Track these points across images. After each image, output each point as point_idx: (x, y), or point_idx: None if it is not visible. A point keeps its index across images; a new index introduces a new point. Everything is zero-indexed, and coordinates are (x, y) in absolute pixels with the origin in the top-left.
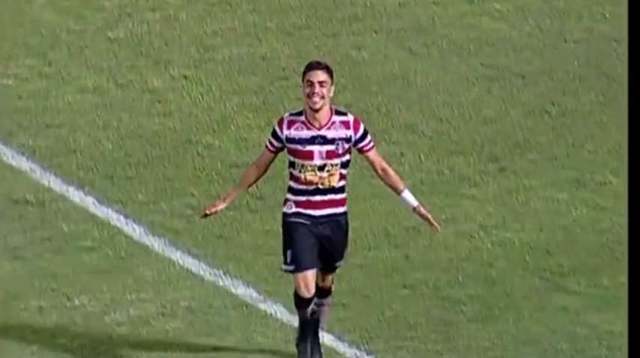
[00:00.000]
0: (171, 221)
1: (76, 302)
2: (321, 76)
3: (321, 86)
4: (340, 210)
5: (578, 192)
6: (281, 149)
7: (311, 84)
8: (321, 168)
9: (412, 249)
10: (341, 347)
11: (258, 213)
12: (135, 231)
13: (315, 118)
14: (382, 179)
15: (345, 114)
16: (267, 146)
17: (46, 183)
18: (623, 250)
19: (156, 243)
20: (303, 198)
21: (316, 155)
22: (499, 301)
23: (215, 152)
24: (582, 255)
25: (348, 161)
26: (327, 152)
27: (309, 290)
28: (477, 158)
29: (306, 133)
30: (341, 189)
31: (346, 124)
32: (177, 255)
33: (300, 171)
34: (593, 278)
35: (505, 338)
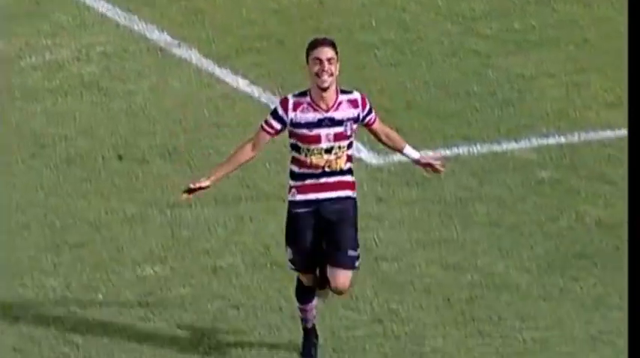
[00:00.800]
0: None
1: None
2: (328, 52)
3: (330, 63)
4: (348, 193)
5: None
6: (282, 131)
7: (320, 61)
8: (328, 150)
9: None
10: (255, 92)
11: None
12: None
13: (322, 98)
14: (386, 144)
15: (350, 92)
16: (264, 127)
17: None
18: None
19: None
20: (308, 182)
21: (323, 138)
22: (412, 45)
23: None
24: (494, 0)
25: (352, 141)
26: (335, 134)
27: (311, 280)
28: None
29: (312, 116)
30: (349, 171)
31: (354, 103)
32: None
33: (305, 156)
34: (504, 22)
35: (417, 82)
